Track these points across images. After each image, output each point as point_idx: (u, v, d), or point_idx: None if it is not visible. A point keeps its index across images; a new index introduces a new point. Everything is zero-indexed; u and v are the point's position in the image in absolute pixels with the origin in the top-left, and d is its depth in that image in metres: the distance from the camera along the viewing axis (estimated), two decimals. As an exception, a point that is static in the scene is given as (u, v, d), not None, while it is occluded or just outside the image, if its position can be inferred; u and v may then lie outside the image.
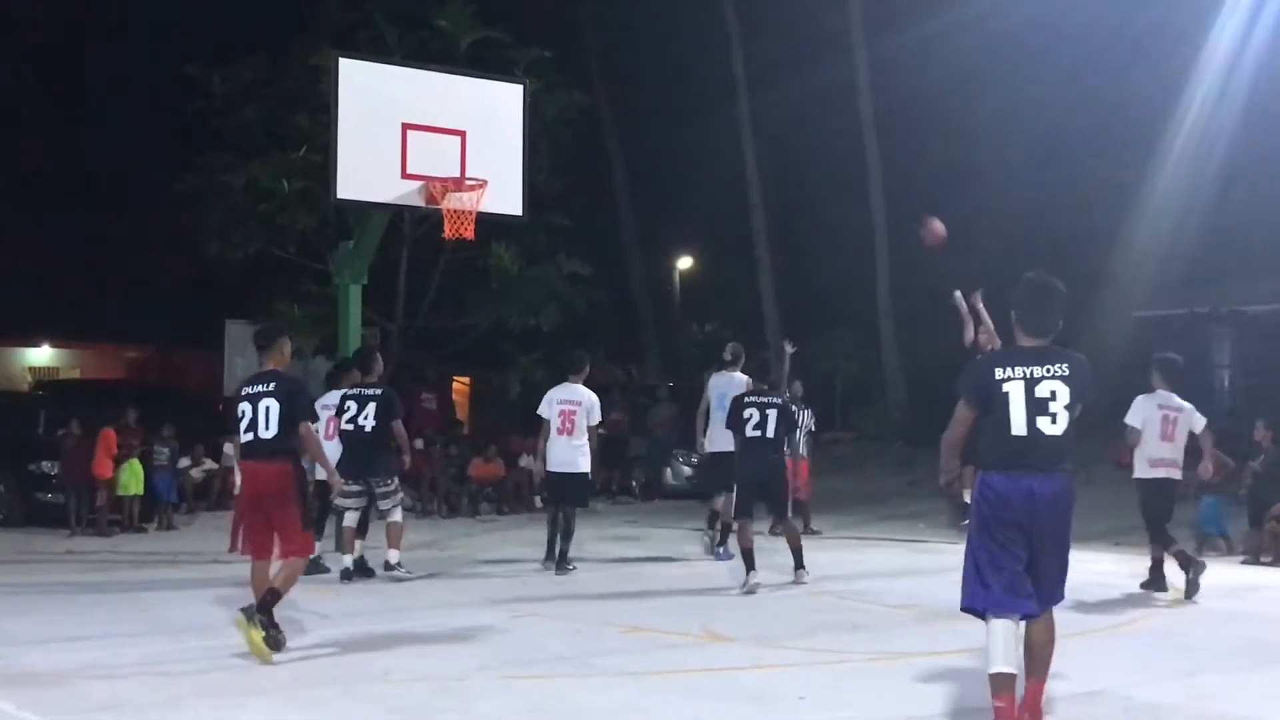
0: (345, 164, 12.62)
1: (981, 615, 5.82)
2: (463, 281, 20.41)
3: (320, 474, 9.65)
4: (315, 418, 8.81)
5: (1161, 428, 10.73)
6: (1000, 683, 5.72)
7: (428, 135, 12.93)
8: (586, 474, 12.22)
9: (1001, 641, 5.71)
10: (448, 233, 13.10)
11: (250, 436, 8.03)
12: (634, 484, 19.87)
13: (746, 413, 10.79)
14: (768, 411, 10.76)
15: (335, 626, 9.00)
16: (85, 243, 30.88)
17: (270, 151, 18.29)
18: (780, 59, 28.17)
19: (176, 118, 20.88)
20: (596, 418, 12.17)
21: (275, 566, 8.04)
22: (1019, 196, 25.12)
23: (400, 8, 18.94)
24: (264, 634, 7.64)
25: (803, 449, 15.46)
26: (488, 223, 14.14)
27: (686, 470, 20.59)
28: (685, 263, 33.48)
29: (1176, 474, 10.84)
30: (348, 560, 11.16)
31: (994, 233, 25.17)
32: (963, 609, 5.90)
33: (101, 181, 30.04)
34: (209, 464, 17.37)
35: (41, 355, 33.81)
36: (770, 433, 10.73)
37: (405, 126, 12.83)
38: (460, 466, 19.51)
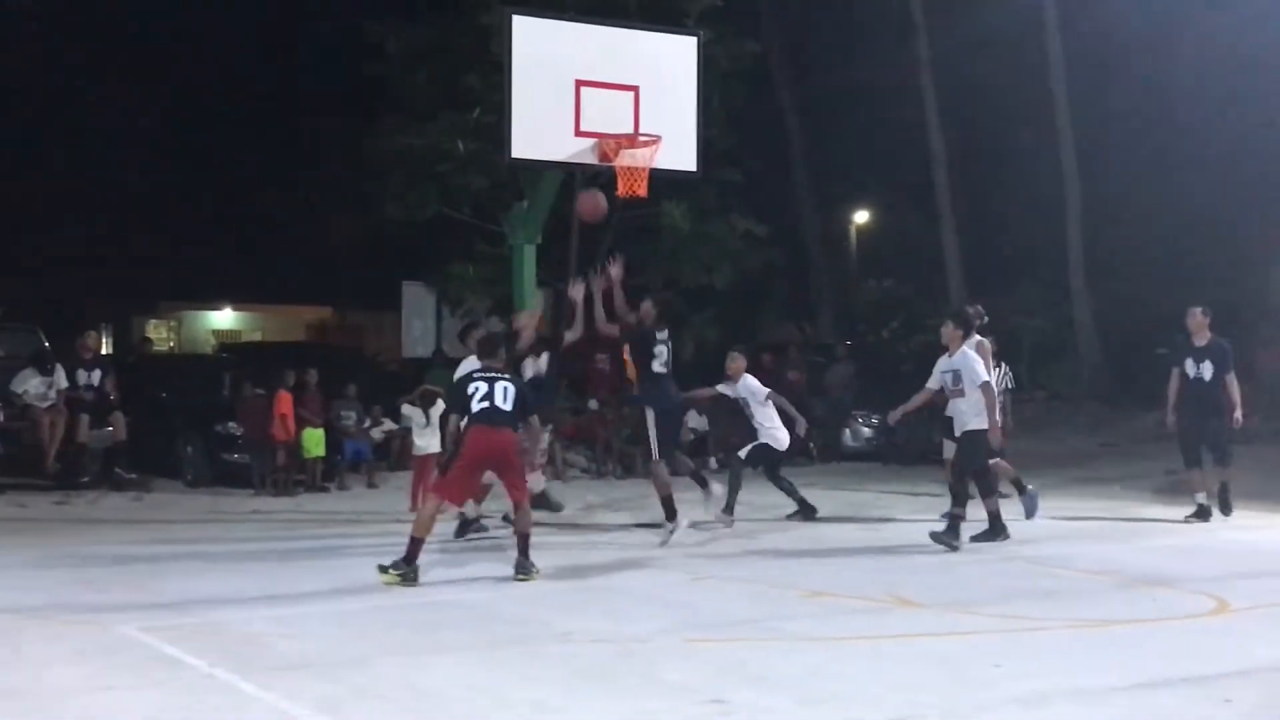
0: (519, 123, 12.49)
1: None
2: (634, 240, 20.23)
3: None
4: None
5: None
6: None
7: (601, 91, 12.69)
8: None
9: None
10: (621, 190, 12.89)
11: (487, 404, 9.32)
12: (811, 446, 19.37)
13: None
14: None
15: (516, 586, 9.00)
16: (262, 206, 31.67)
17: (443, 113, 18.37)
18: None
19: (350, 81, 21.13)
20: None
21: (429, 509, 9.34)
22: (1218, 139, 23.74)
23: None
24: (538, 569, 9.27)
25: None
26: (659, 180, 13.89)
27: (866, 431, 20.03)
28: (862, 217, 32.76)
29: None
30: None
31: (1191, 178, 23.91)
32: None
33: (276, 144, 30.57)
34: (388, 424, 17.53)
35: (224, 319, 35.06)
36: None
37: (578, 83, 12.62)
38: (634, 427, 19.40)
